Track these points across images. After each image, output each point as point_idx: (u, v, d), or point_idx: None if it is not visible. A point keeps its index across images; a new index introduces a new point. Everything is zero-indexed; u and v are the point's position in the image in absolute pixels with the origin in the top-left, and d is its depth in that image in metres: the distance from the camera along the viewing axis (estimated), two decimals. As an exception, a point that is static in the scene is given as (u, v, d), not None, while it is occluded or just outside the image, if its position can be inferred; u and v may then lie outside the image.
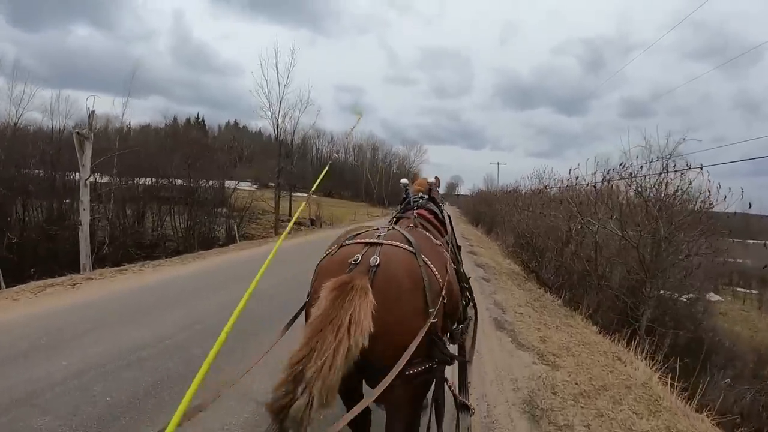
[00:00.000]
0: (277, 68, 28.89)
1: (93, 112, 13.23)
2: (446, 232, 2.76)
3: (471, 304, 2.70)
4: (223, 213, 25.22)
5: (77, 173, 13.79)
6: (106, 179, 20.40)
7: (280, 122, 26.73)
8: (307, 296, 1.93)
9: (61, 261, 14.00)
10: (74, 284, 6.64)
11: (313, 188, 2.98)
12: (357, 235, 2.02)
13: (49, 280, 6.76)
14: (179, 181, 23.04)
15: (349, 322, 1.42)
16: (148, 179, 22.86)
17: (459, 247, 2.94)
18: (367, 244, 1.87)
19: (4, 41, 48.22)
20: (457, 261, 2.57)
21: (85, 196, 12.56)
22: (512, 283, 10.09)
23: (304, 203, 3.15)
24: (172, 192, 22.90)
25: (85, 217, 12.45)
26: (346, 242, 1.95)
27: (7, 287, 6.32)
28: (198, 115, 57.98)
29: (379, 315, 1.48)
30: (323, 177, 2.75)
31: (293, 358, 1.36)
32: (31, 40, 58.73)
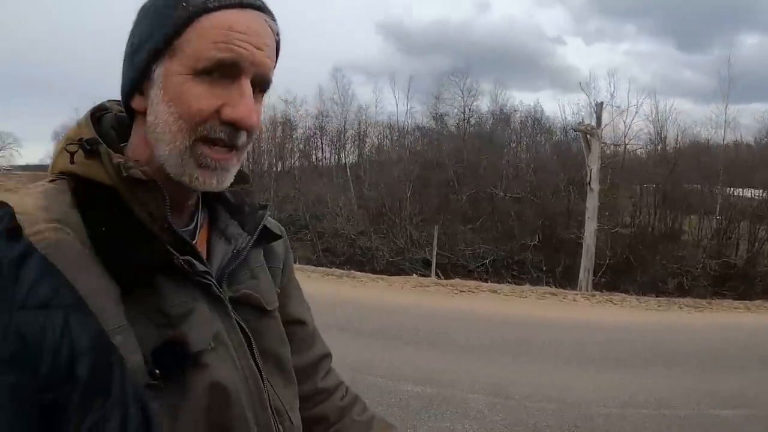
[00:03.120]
0: None
1: (601, 103, 11.32)
2: None
3: None
4: None
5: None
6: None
7: None
8: None
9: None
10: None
11: None
12: None
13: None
14: None
15: None
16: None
17: None
18: None
19: (675, 64, 49.80)
20: None
21: (590, 202, 10.55)
22: None
23: None
24: None
25: (589, 227, 10.52)
26: None
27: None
28: None
29: None
30: None
31: None
32: (697, 61, 57.59)
